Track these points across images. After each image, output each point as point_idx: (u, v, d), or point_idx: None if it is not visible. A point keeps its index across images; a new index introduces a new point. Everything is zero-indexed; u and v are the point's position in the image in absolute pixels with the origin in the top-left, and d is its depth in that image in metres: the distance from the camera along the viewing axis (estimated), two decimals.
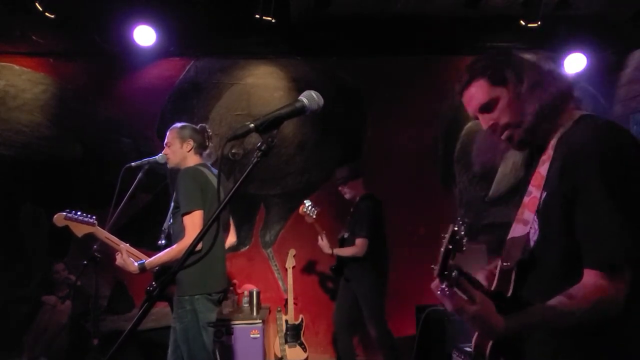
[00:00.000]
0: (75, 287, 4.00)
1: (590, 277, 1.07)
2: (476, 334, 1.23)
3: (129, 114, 4.53)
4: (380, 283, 3.68)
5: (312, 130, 4.66)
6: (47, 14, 3.58)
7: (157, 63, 4.57)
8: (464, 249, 1.08)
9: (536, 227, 1.17)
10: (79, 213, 2.57)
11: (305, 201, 3.89)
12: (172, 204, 2.68)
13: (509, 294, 1.19)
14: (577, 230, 1.09)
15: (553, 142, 1.20)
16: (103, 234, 2.57)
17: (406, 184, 4.55)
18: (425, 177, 4.71)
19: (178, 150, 2.74)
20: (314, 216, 3.84)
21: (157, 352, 2.93)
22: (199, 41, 4.44)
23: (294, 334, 4.19)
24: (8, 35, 4.14)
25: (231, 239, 2.99)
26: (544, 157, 1.21)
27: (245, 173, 1.10)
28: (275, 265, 4.58)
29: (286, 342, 4.15)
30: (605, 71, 4.79)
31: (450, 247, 1.06)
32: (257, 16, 3.66)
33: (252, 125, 1.13)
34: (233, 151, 4.51)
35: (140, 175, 2.77)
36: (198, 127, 2.83)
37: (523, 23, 3.79)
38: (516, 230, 1.25)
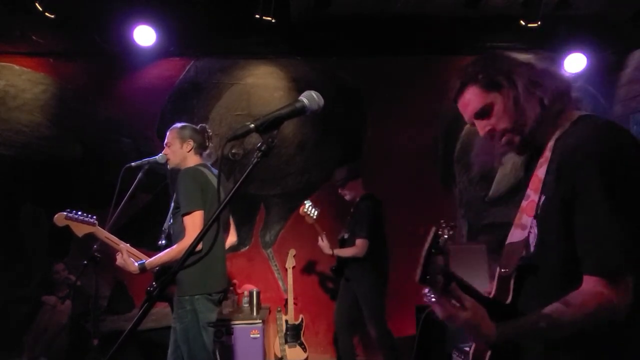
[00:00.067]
0: (75, 287, 4.00)
1: (589, 284, 1.03)
2: (473, 345, 1.21)
3: (129, 114, 4.53)
4: (380, 283, 3.68)
5: (312, 131, 4.66)
6: (47, 14, 3.58)
7: (157, 63, 4.57)
8: (449, 251, 1.03)
9: (535, 231, 1.13)
10: (79, 213, 2.57)
11: (305, 202, 3.89)
12: (173, 204, 2.68)
13: (508, 301, 1.16)
14: (576, 234, 1.05)
15: (551, 144, 1.17)
16: (103, 233, 2.57)
17: (406, 184, 4.55)
18: (425, 177, 4.71)
19: (178, 150, 2.74)
20: (315, 217, 3.84)
21: (157, 352, 2.93)
22: (199, 41, 4.44)
23: (294, 334, 4.19)
24: (8, 35, 4.14)
25: (232, 238, 2.99)
26: (541, 160, 1.18)
27: (246, 173, 1.10)
28: (275, 265, 4.58)
29: (286, 342, 4.15)
30: (605, 71, 4.79)
31: (433, 250, 1.02)
32: (257, 16, 3.66)
33: (252, 125, 1.13)
34: (233, 151, 4.51)
35: (140, 175, 2.77)
36: (198, 127, 2.83)
37: (523, 23, 3.79)
38: (514, 236, 1.21)
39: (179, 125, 2.80)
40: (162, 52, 4.36)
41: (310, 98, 1.19)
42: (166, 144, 2.78)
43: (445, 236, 1.03)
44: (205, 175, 2.65)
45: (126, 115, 4.53)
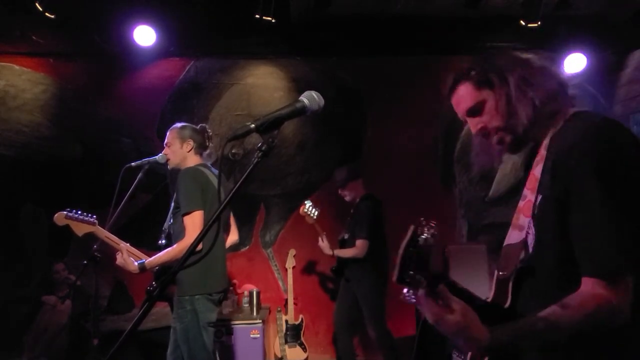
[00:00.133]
0: (75, 287, 4.00)
1: (587, 285, 0.99)
2: (469, 354, 1.15)
3: (129, 114, 4.53)
4: (380, 283, 3.68)
5: (312, 131, 4.66)
6: (47, 14, 3.58)
7: (157, 63, 4.57)
8: (431, 251, 0.99)
9: (533, 232, 1.11)
10: (79, 212, 2.57)
11: (305, 202, 3.89)
12: (173, 204, 2.68)
13: (507, 304, 1.12)
14: (573, 234, 1.02)
15: (546, 142, 1.14)
16: (103, 233, 2.57)
17: (406, 184, 4.55)
18: (425, 177, 4.71)
19: (178, 150, 2.74)
20: (315, 217, 3.84)
21: (157, 352, 2.92)
22: (199, 41, 4.44)
23: (294, 334, 4.19)
24: (8, 35, 4.14)
25: (233, 237, 2.99)
26: (537, 159, 1.15)
27: (246, 173, 1.10)
28: (275, 265, 4.58)
29: (286, 342, 4.15)
30: (605, 71, 4.79)
31: (411, 249, 0.98)
32: (257, 16, 3.66)
33: (253, 125, 1.13)
34: (233, 151, 4.51)
35: (140, 175, 2.77)
36: (198, 127, 2.83)
37: (523, 23, 3.79)
38: (512, 237, 1.18)
39: (179, 125, 2.80)
40: (162, 52, 4.36)
41: (310, 98, 1.19)
42: (166, 144, 2.78)
43: (425, 235, 0.99)
44: (206, 175, 2.65)
45: (126, 115, 4.53)
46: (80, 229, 2.55)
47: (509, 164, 4.33)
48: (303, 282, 4.49)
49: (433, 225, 1.03)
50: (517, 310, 1.11)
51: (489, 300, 1.20)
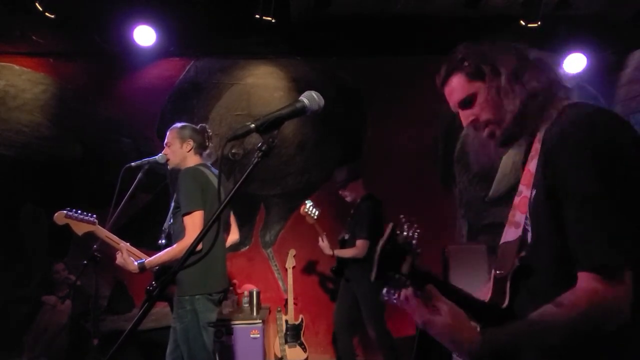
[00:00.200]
0: (75, 287, 4.00)
1: (582, 281, 0.93)
2: None
3: (129, 114, 4.53)
4: (380, 284, 3.67)
5: (312, 130, 4.66)
6: (47, 14, 3.58)
7: (157, 63, 4.57)
8: (417, 250, 0.95)
9: (529, 229, 1.06)
10: (79, 211, 2.57)
11: (306, 201, 3.89)
12: (173, 204, 2.69)
13: (505, 304, 1.07)
14: (566, 227, 0.96)
15: (540, 136, 1.09)
16: (103, 232, 2.57)
17: (406, 184, 4.55)
18: (425, 177, 4.71)
19: (178, 150, 2.74)
20: (315, 217, 3.84)
21: (157, 352, 2.92)
22: (199, 41, 4.44)
23: (294, 334, 4.18)
24: (8, 35, 4.14)
25: (233, 236, 2.99)
26: (532, 153, 1.10)
27: (246, 173, 1.10)
28: (275, 265, 4.58)
29: (286, 342, 4.15)
30: (605, 71, 4.79)
31: (388, 247, 0.94)
32: (257, 16, 3.66)
33: (253, 125, 1.12)
34: (233, 151, 4.51)
35: (140, 175, 2.77)
36: (198, 127, 2.83)
37: (523, 23, 3.79)
38: (508, 235, 1.13)
39: (178, 125, 2.80)
40: (162, 52, 4.36)
41: (310, 98, 1.19)
42: (166, 144, 2.78)
43: (405, 233, 0.95)
44: (206, 175, 2.65)
45: (126, 115, 4.53)
46: (80, 228, 2.55)
47: (509, 163, 4.33)
48: (303, 282, 4.49)
49: (414, 223, 0.99)
50: (516, 310, 1.06)
51: (487, 300, 1.16)
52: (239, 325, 3.75)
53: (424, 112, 4.65)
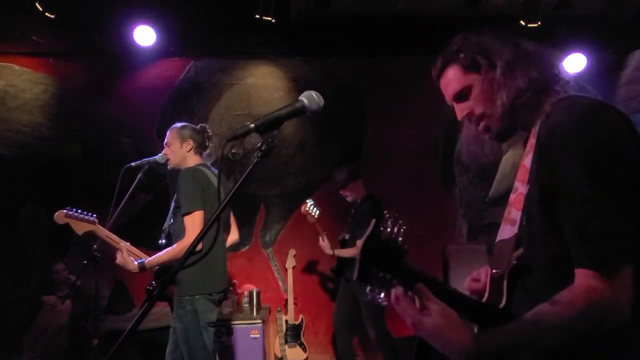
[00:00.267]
0: (75, 287, 4.00)
1: (579, 278, 0.89)
2: None
3: (129, 114, 4.53)
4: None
5: (312, 130, 4.66)
6: (47, 14, 3.58)
7: (157, 63, 4.57)
8: (403, 247, 0.90)
9: (525, 225, 1.03)
10: (79, 211, 2.57)
11: (307, 200, 3.89)
12: (173, 203, 2.69)
13: (502, 304, 1.03)
14: (565, 227, 0.93)
15: (535, 130, 1.06)
16: (103, 232, 2.58)
17: (406, 184, 4.55)
18: (425, 177, 4.71)
19: (178, 150, 2.74)
20: (316, 216, 3.84)
21: (157, 352, 2.92)
22: (199, 41, 4.44)
23: (294, 334, 4.18)
24: (8, 35, 4.15)
25: (233, 236, 2.99)
26: (527, 148, 1.07)
27: (246, 173, 1.10)
28: (275, 265, 4.58)
29: (286, 342, 4.15)
30: (605, 71, 4.78)
31: (369, 244, 0.90)
32: (257, 16, 3.66)
33: (252, 125, 1.12)
34: (233, 151, 4.51)
35: (140, 175, 2.77)
36: (198, 127, 2.83)
37: (523, 23, 3.79)
38: (504, 232, 1.11)
39: (178, 125, 2.80)
40: (162, 52, 4.36)
41: (310, 98, 1.19)
42: (166, 144, 2.78)
43: (389, 229, 0.92)
44: (206, 175, 2.65)
45: (126, 115, 4.53)
46: (80, 228, 2.55)
47: (509, 163, 4.33)
48: (303, 282, 4.48)
49: (399, 219, 0.95)
50: (513, 310, 1.02)
51: (484, 300, 1.13)
52: (239, 325, 3.75)
53: (424, 112, 4.64)
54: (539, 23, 3.74)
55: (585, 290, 0.87)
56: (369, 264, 0.90)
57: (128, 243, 2.59)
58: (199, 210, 2.49)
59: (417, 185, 4.62)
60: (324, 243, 3.80)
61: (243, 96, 4.65)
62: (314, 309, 4.49)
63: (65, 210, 2.54)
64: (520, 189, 1.06)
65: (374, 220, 0.92)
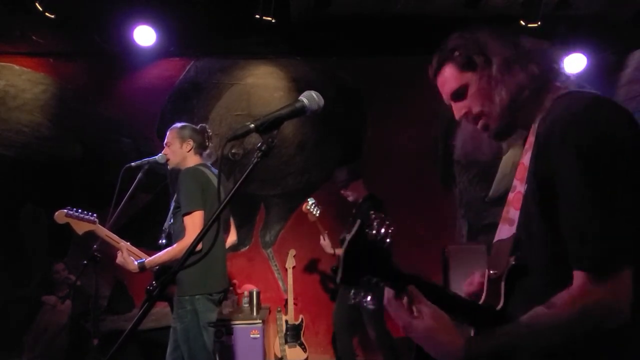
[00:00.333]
0: (75, 287, 4.00)
1: (577, 280, 0.88)
2: None
3: (129, 114, 4.53)
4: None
5: (312, 130, 4.66)
6: (47, 14, 3.58)
7: (157, 63, 4.57)
8: (389, 249, 0.88)
9: (523, 225, 1.01)
10: (79, 210, 2.57)
11: (308, 199, 3.90)
12: (173, 203, 2.69)
13: (500, 306, 1.01)
14: (562, 226, 0.91)
15: (534, 128, 1.03)
16: (103, 231, 2.58)
17: (406, 184, 4.55)
18: (425, 177, 4.71)
19: (178, 150, 2.74)
20: (317, 215, 3.84)
21: (157, 352, 2.93)
22: (199, 41, 4.44)
23: (294, 334, 4.18)
24: (8, 35, 4.15)
25: (231, 237, 3.00)
26: (526, 146, 1.05)
27: (246, 173, 1.10)
28: (275, 265, 4.58)
29: (286, 342, 4.15)
30: (605, 71, 4.78)
31: (355, 246, 0.87)
32: (257, 16, 3.66)
33: (252, 125, 1.12)
34: (233, 151, 4.51)
35: (140, 175, 2.77)
36: (198, 127, 2.83)
37: (523, 23, 3.79)
38: (502, 232, 1.09)
39: (178, 125, 2.80)
40: (162, 52, 4.36)
41: (310, 98, 1.19)
42: (166, 144, 2.78)
43: (374, 231, 0.89)
44: (206, 175, 2.65)
45: (126, 115, 4.53)
46: (80, 227, 2.56)
47: (509, 163, 4.33)
48: (303, 282, 4.48)
49: (386, 220, 0.92)
50: (511, 312, 1.00)
51: (481, 301, 1.11)
52: (239, 325, 3.75)
53: (424, 112, 4.64)
54: (539, 23, 3.74)
55: (582, 294, 0.86)
56: (352, 266, 0.88)
57: (128, 243, 2.60)
58: (199, 210, 2.49)
59: (417, 185, 4.62)
60: (325, 242, 3.81)
61: (243, 96, 4.65)
62: (314, 309, 4.49)
63: (65, 210, 2.55)
64: (519, 187, 1.04)
65: (358, 222, 0.89)
